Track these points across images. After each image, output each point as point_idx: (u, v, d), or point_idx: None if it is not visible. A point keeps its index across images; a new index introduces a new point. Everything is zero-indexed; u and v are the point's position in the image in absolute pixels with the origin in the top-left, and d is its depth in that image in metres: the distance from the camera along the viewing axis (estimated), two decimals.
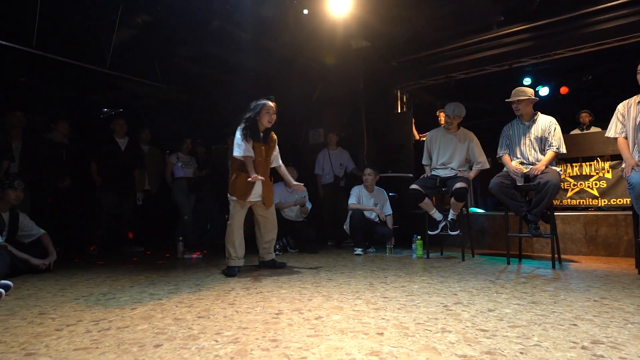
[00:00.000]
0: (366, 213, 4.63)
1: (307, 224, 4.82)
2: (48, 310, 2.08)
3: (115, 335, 1.63)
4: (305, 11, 4.78)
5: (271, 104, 3.31)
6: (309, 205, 4.78)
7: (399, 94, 6.25)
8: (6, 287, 2.35)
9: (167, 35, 5.20)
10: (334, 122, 6.13)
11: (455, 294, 2.32)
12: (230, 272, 3.12)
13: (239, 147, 3.20)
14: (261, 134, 3.32)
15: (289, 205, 4.78)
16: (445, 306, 2.05)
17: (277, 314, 1.94)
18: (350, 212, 4.61)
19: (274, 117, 3.31)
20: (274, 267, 3.48)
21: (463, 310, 1.95)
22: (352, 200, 4.66)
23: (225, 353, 1.41)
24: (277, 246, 4.51)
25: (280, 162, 3.56)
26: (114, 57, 5.12)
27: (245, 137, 3.21)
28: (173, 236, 5.05)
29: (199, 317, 1.90)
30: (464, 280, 2.79)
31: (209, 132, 6.56)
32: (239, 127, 3.27)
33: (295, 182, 3.55)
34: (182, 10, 4.68)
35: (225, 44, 5.38)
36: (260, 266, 3.54)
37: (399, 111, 6.22)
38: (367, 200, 4.73)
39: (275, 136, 3.48)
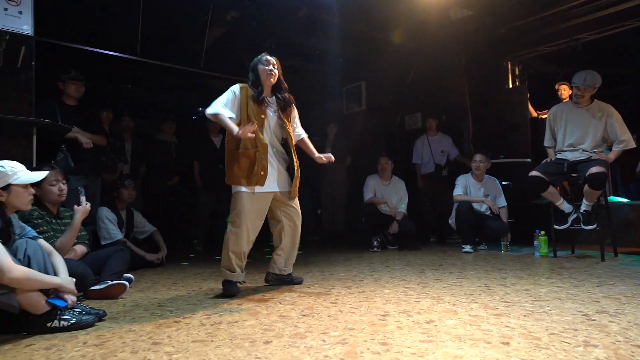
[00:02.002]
0: (475, 205, 4.38)
1: (406, 218, 4.73)
2: (165, 303, 2.37)
3: (227, 329, 1.79)
4: None
5: (268, 56, 2.65)
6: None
7: (509, 65, 5.73)
8: (129, 280, 2.73)
9: (255, 29, 5.50)
10: (433, 105, 5.89)
11: (597, 301, 2.07)
12: (231, 290, 2.51)
13: (212, 104, 2.52)
14: (264, 96, 2.60)
15: (384, 202, 4.74)
16: (585, 315, 1.84)
17: (383, 315, 1.94)
18: (456, 205, 4.41)
19: (275, 72, 2.62)
20: (291, 284, 2.80)
21: (610, 322, 1.74)
22: (457, 192, 4.44)
23: (335, 354, 1.45)
24: (375, 242, 4.52)
25: (303, 133, 2.87)
26: (206, 57, 5.58)
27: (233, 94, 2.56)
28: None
29: (303, 315, 1.99)
30: (606, 284, 2.48)
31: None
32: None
33: (318, 155, 2.88)
34: (269, 2, 4.89)
35: (313, 31, 5.50)
36: (269, 281, 2.84)
37: (511, 86, 5.72)
38: (476, 191, 4.46)
39: (291, 97, 2.76)
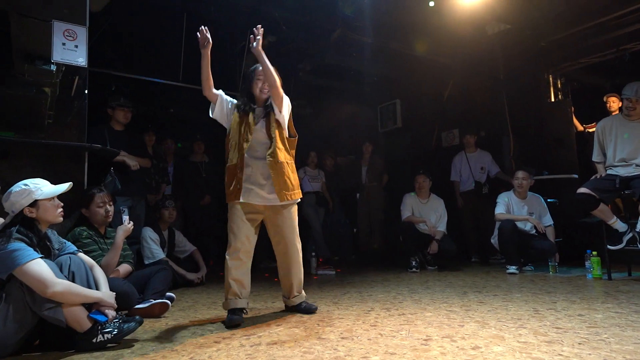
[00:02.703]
0: (519, 224, 4.20)
1: (446, 237, 4.59)
2: (205, 322, 2.40)
3: (266, 351, 1.78)
4: (432, 3, 4.65)
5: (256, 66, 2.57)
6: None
7: (551, 79, 5.55)
8: (171, 299, 2.79)
9: (291, 52, 5.64)
10: (470, 121, 5.77)
11: None
12: (230, 320, 2.27)
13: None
14: (255, 106, 2.53)
15: (422, 220, 4.64)
16: None
17: (425, 339, 1.87)
18: (498, 224, 4.24)
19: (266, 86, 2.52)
20: (303, 312, 2.55)
21: None
22: (500, 210, 4.28)
23: None
24: (414, 262, 4.42)
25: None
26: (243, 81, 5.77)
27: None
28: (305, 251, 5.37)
29: (342, 337, 1.95)
30: None
31: (334, 144, 6.84)
32: None
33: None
34: (304, 25, 5.03)
35: (347, 51, 5.58)
36: (287, 309, 2.66)
37: (553, 99, 5.52)
38: (520, 209, 4.29)
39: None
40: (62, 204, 2.11)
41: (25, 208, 1.94)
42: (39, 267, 1.79)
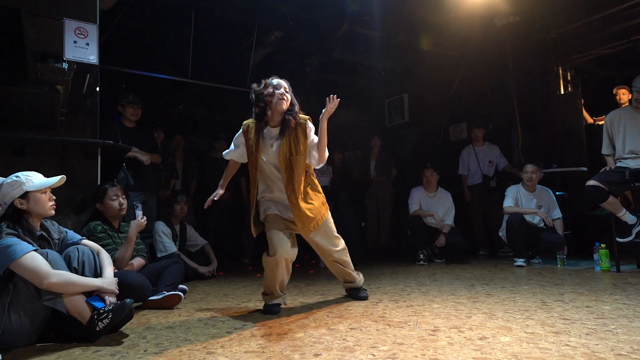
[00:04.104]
0: (527, 217, 4.19)
1: (454, 230, 4.60)
2: (217, 314, 2.45)
3: (277, 341, 1.82)
4: None
5: (278, 80, 2.38)
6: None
7: (560, 71, 5.51)
8: (183, 291, 2.85)
9: (298, 47, 5.65)
10: (478, 114, 5.75)
11: None
12: (269, 309, 2.41)
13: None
14: (271, 127, 2.38)
15: (430, 214, 4.64)
16: None
17: (433, 330, 1.90)
18: (507, 217, 4.24)
19: (287, 97, 2.35)
20: (356, 299, 2.71)
21: None
22: (508, 203, 4.27)
23: None
24: (422, 255, 4.43)
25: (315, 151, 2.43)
26: (252, 76, 5.79)
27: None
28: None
29: (351, 328, 1.99)
30: None
31: (342, 139, 6.84)
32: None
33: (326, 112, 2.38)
34: (312, 20, 5.03)
35: (354, 46, 5.57)
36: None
37: (563, 92, 5.47)
38: (528, 202, 4.27)
39: (304, 119, 2.41)
40: (54, 197, 2.09)
41: (15, 199, 1.95)
42: (33, 260, 1.80)
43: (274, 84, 2.35)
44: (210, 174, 5.34)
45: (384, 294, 2.86)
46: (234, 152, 2.56)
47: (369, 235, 6.19)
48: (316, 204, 2.45)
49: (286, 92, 2.35)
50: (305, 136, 2.38)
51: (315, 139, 2.42)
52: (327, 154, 2.44)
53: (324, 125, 2.38)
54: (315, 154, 2.41)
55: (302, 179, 2.39)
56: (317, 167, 2.52)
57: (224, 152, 2.64)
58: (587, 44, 5.10)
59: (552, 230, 4.12)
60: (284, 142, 2.34)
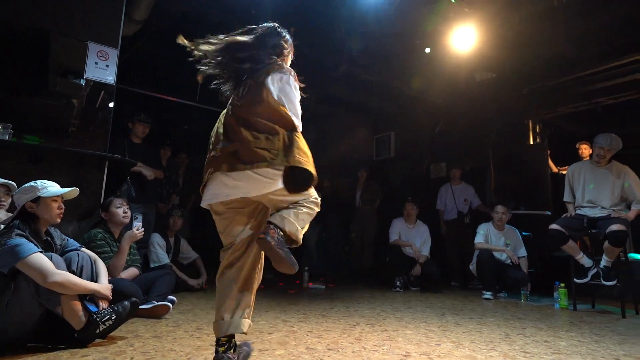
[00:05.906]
0: (496, 254, 4.24)
1: (429, 261, 4.61)
2: (203, 326, 2.40)
3: (258, 357, 1.79)
4: (428, 50, 4.82)
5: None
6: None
7: (530, 124, 5.69)
8: (172, 302, 2.78)
9: (300, 79, 5.77)
10: (457, 156, 5.88)
11: (618, 359, 1.94)
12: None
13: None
14: None
15: (408, 244, 4.67)
16: None
17: (405, 355, 1.89)
18: (477, 252, 4.28)
19: None
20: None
21: None
22: (479, 239, 4.33)
23: None
24: (398, 282, 4.42)
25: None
26: None
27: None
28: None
29: (329, 349, 1.96)
30: (627, 342, 2.31)
31: (332, 167, 6.91)
32: (279, 71, 1.68)
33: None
34: (314, 58, 5.16)
35: (352, 86, 5.72)
36: None
37: (532, 142, 5.65)
38: (497, 240, 4.33)
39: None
40: (63, 207, 2.07)
41: (27, 202, 1.95)
42: (39, 259, 1.79)
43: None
44: None
45: (361, 317, 2.84)
46: None
47: (353, 258, 6.16)
48: None
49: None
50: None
51: None
52: None
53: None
54: None
55: None
56: None
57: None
58: (554, 102, 5.31)
59: (517, 268, 4.16)
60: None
